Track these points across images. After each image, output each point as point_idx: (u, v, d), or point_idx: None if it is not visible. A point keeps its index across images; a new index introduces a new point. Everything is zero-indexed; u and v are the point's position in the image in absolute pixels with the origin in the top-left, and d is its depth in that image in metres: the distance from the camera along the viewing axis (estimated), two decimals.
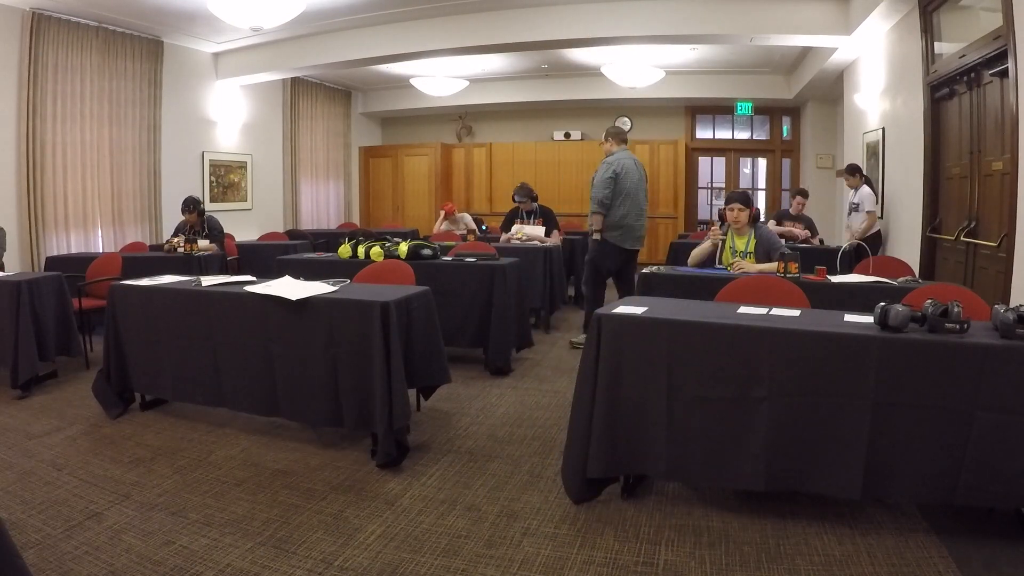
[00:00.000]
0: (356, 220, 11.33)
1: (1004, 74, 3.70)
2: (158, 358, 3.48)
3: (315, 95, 10.13)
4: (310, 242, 7.54)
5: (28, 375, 3.99)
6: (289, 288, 3.16)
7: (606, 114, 11.02)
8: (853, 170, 5.84)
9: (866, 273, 3.86)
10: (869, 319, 2.35)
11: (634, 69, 8.34)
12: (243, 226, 8.60)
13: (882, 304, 2.27)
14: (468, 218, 7.39)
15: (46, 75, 6.27)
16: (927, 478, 2.21)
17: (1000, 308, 2.21)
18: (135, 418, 3.61)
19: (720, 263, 4.21)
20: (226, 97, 8.50)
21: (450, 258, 4.85)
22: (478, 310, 4.50)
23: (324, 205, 10.57)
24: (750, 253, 4.09)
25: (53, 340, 4.24)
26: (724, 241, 4.21)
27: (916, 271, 4.62)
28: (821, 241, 6.98)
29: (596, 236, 5.22)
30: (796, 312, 2.62)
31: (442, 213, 7.25)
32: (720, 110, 10.66)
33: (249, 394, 3.27)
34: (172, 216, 6.90)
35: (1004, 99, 3.76)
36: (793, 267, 3.69)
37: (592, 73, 9.25)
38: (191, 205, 6.20)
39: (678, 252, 6.20)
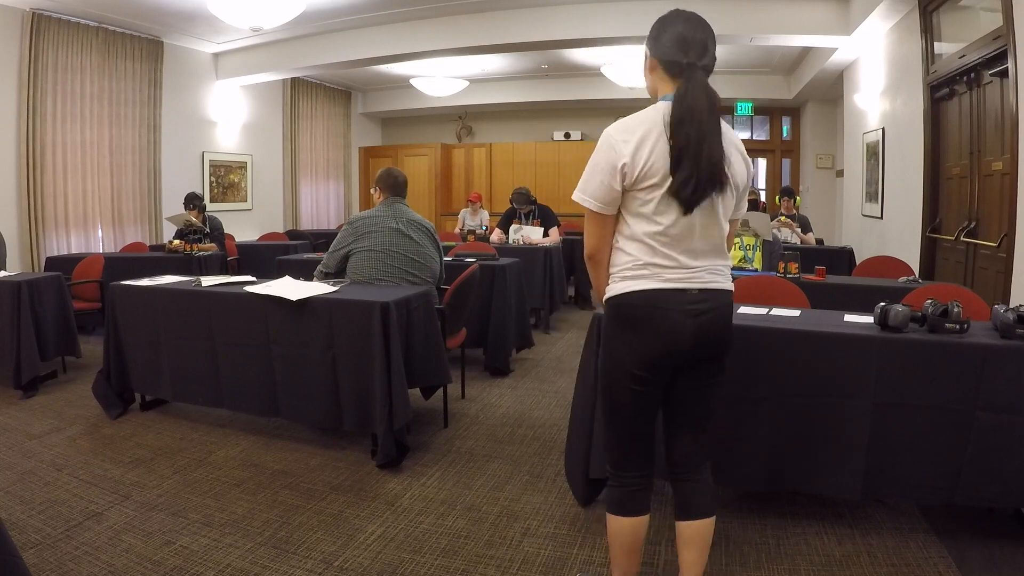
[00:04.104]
0: None
1: (1004, 74, 3.70)
2: (158, 358, 3.48)
3: (315, 95, 10.13)
4: (310, 242, 7.55)
5: (30, 375, 4.00)
6: (289, 288, 3.16)
7: (606, 114, 11.00)
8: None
9: (866, 274, 3.86)
10: (869, 319, 2.36)
11: (634, 69, 8.33)
12: (243, 226, 8.61)
13: (882, 304, 2.28)
14: (486, 215, 7.67)
15: (46, 75, 6.27)
16: (927, 478, 2.21)
17: (1000, 308, 2.21)
18: (135, 418, 3.61)
19: None
20: (226, 97, 8.50)
21: (450, 258, 4.86)
22: (478, 310, 4.50)
23: (324, 205, 10.57)
24: (757, 247, 4.32)
25: (53, 340, 4.25)
26: None
27: (916, 271, 4.63)
28: (821, 241, 6.98)
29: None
30: (796, 312, 2.62)
31: (471, 204, 7.64)
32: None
33: (249, 394, 3.26)
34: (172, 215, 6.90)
35: (1004, 99, 3.76)
36: (793, 267, 3.70)
37: (592, 73, 9.25)
38: (192, 202, 6.20)
39: None
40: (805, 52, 8.06)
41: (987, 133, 4.12)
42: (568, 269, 6.82)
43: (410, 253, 3.48)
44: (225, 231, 6.69)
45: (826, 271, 3.79)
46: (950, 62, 4.52)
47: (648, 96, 1.79)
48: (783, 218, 6.17)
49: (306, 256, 5.53)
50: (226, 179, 8.68)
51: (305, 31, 7.36)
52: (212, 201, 8.29)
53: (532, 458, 3.07)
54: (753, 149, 11.03)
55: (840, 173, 8.48)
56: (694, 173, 1.59)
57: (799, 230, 6.09)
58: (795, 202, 6.64)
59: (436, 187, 11.30)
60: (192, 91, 8.01)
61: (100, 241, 6.97)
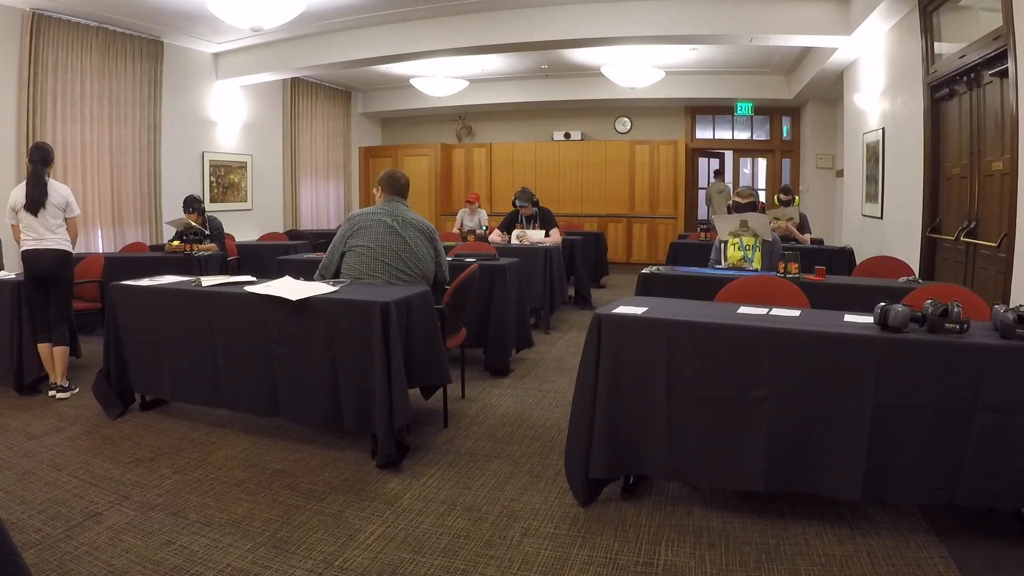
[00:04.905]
0: None
1: (1004, 74, 3.70)
2: (158, 358, 3.47)
3: (315, 95, 10.13)
4: (310, 242, 7.55)
5: (30, 376, 3.99)
6: (289, 288, 3.16)
7: (606, 114, 11.03)
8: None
9: (866, 274, 3.86)
10: (869, 319, 2.35)
11: (634, 69, 8.34)
12: (243, 226, 8.60)
13: (882, 304, 2.27)
14: (484, 215, 7.66)
15: (46, 75, 6.27)
16: (927, 478, 2.21)
17: (1000, 308, 2.21)
18: (135, 418, 3.61)
19: (725, 261, 4.26)
20: (226, 97, 8.50)
21: (450, 258, 4.85)
22: (478, 310, 4.50)
23: (324, 205, 10.57)
24: (757, 247, 4.28)
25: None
26: (728, 240, 4.29)
27: (916, 271, 4.63)
28: (820, 241, 6.97)
29: None
30: (796, 312, 2.62)
31: (468, 204, 7.63)
32: (720, 110, 10.66)
33: (249, 394, 3.26)
34: (172, 216, 6.89)
35: (1004, 99, 3.76)
36: (793, 267, 3.70)
37: (592, 73, 9.25)
38: (191, 205, 6.20)
39: (678, 252, 6.20)
40: (805, 52, 8.06)
41: (987, 133, 4.12)
42: (568, 269, 6.82)
43: (401, 251, 3.46)
44: (225, 231, 6.68)
45: (826, 271, 3.79)
46: (950, 62, 4.52)
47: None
48: (779, 221, 6.12)
49: (306, 256, 5.53)
50: (226, 179, 8.68)
51: (305, 31, 7.36)
52: (212, 201, 8.29)
53: (532, 458, 3.07)
54: (753, 149, 11.05)
55: (840, 173, 8.48)
56: None
57: (794, 226, 5.98)
58: (794, 201, 6.61)
59: (436, 187, 11.30)
60: (192, 91, 8.02)
61: (100, 241, 6.97)
